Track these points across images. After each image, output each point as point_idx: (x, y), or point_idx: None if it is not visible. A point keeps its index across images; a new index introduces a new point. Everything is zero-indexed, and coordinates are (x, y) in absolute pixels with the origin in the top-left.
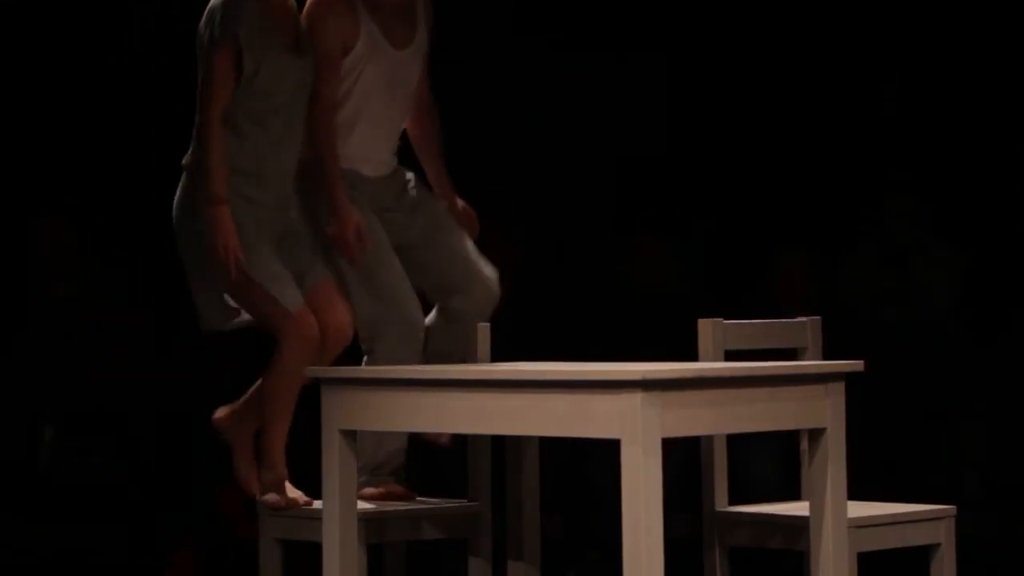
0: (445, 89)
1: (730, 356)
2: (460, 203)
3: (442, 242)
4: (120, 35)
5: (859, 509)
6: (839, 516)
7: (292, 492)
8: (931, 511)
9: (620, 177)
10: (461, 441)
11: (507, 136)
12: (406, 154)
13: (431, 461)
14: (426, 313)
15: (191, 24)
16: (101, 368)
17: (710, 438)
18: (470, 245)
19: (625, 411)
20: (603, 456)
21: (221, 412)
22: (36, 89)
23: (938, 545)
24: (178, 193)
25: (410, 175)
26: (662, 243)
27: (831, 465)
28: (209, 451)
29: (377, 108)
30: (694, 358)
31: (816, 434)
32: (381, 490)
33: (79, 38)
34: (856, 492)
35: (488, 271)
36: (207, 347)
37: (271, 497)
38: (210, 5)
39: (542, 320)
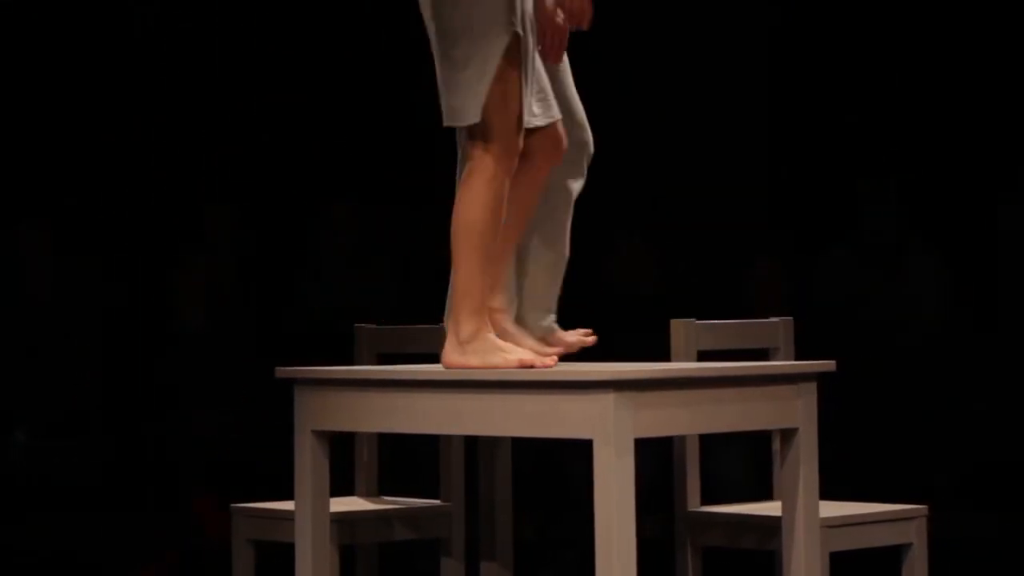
0: None
1: (703, 356)
2: None
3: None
4: (116, 35)
5: (831, 509)
6: (811, 516)
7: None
8: (903, 511)
9: (594, 178)
10: (433, 442)
11: None
12: None
13: (403, 461)
14: None
15: (191, 24)
16: (75, 370)
17: (682, 438)
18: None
19: (597, 412)
20: (577, 456)
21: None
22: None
23: (910, 545)
24: None
25: None
26: (636, 243)
27: (803, 465)
28: (182, 452)
29: None
30: (667, 358)
31: (788, 434)
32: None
33: (73, 37)
34: (828, 492)
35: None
36: (183, 347)
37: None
38: None
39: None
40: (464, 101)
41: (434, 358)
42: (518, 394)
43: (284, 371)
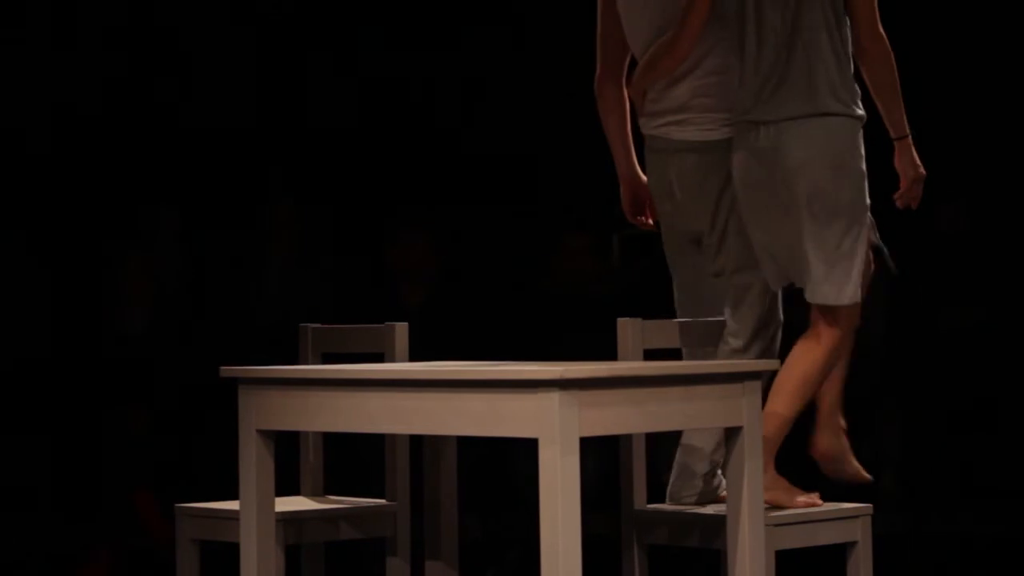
0: None
1: (650, 355)
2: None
3: None
4: (63, 37)
5: (776, 507)
6: (756, 514)
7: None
8: (848, 509)
9: (544, 178)
10: (378, 441)
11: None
12: None
13: (349, 460)
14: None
15: (136, 22)
16: (9, 366)
17: (628, 437)
18: None
19: (543, 411)
20: (523, 454)
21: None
22: None
23: (855, 543)
24: (835, 130)
25: None
26: (584, 243)
27: (748, 463)
28: (122, 452)
29: None
30: (614, 357)
31: (733, 433)
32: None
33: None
34: None
35: None
36: (126, 347)
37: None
38: None
39: (461, 319)
40: (854, 282)
41: (378, 357)
42: (463, 393)
43: (228, 370)
